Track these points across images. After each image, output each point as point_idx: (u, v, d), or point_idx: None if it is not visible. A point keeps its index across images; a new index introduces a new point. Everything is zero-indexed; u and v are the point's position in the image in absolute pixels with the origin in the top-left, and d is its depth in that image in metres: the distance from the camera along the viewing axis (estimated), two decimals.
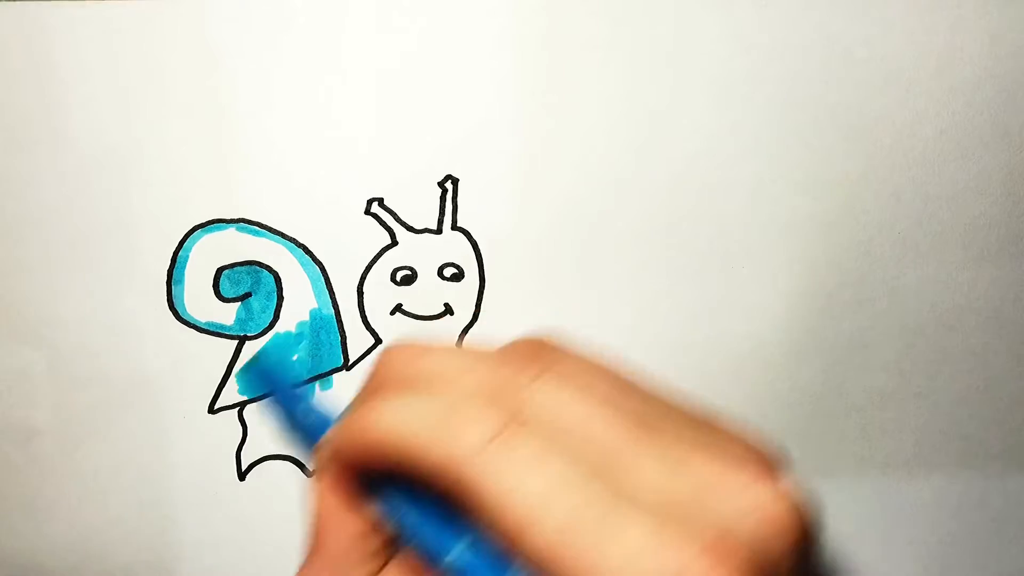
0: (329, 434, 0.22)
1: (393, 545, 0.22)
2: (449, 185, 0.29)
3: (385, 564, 0.22)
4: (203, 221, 0.29)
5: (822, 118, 0.29)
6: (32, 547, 0.31)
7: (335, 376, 0.30)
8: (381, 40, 0.28)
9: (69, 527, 0.31)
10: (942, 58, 0.29)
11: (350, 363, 0.30)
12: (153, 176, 0.29)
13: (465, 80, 0.29)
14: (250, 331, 0.30)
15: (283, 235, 0.29)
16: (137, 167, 0.29)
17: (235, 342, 0.30)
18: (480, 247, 0.30)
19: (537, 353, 0.21)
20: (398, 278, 0.30)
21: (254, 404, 0.30)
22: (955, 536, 0.31)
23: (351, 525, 0.22)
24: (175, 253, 0.29)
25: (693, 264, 0.30)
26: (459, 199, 0.29)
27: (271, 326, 0.30)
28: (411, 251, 0.29)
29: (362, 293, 0.30)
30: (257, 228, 0.29)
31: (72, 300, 0.29)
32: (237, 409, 0.30)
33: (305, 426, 0.25)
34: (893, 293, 0.30)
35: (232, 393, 0.30)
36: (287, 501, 0.31)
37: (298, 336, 0.30)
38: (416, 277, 0.30)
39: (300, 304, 0.30)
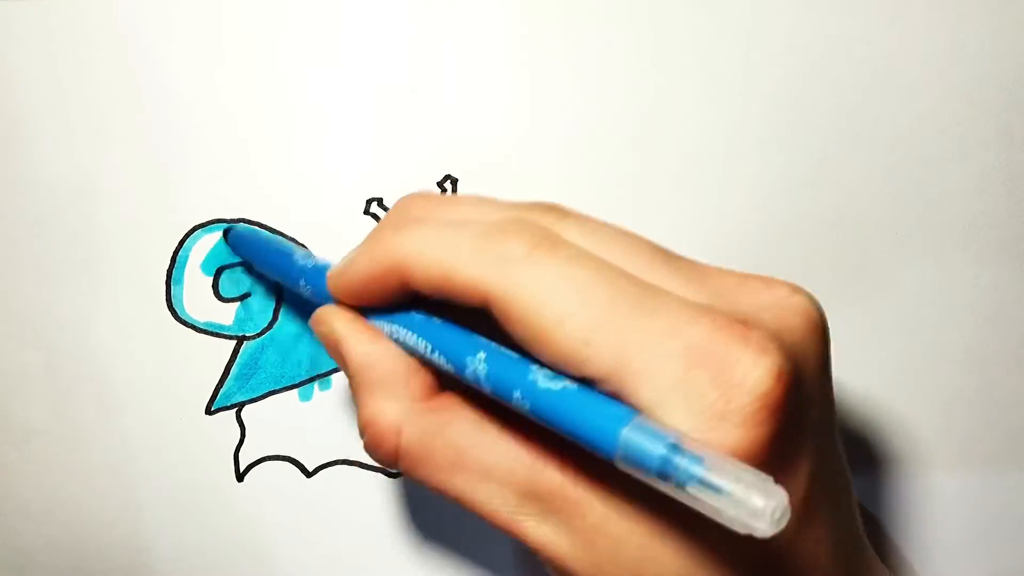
0: (346, 260, 0.22)
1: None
2: (448, 185, 0.29)
3: (435, 383, 0.22)
4: (203, 221, 0.29)
5: (821, 118, 0.29)
6: (30, 547, 0.31)
7: (334, 376, 0.30)
8: (381, 39, 0.28)
9: (67, 528, 0.31)
10: (942, 58, 0.29)
11: None
12: (153, 176, 0.29)
13: (465, 80, 0.29)
14: (249, 331, 0.30)
15: (283, 235, 0.29)
16: (137, 166, 0.29)
17: (234, 342, 0.30)
18: None
19: (555, 206, 0.21)
20: None
21: (252, 405, 0.30)
22: (953, 536, 0.31)
23: (384, 345, 0.22)
24: (175, 253, 0.29)
25: None
26: None
27: (270, 326, 0.30)
28: None
29: None
30: (257, 228, 0.29)
31: (71, 300, 0.29)
32: (235, 410, 0.30)
33: (304, 268, 0.24)
34: (892, 293, 0.30)
35: (231, 393, 0.30)
36: (286, 502, 0.30)
37: (297, 336, 0.30)
38: None
39: (299, 304, 0.30)
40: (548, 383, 0.18)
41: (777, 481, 0.16)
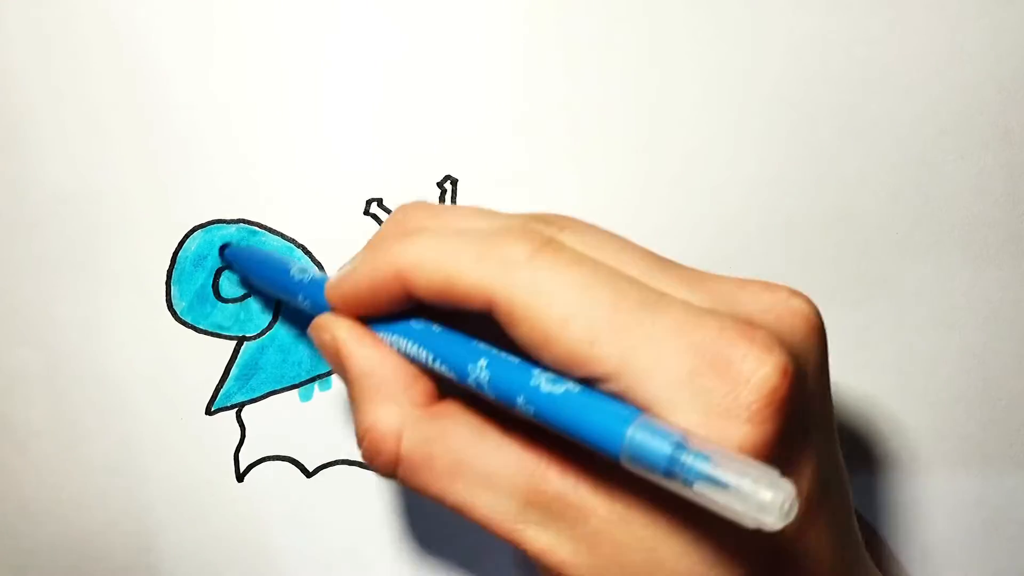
0: (345, 269, 0.22)
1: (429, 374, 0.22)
2: (448, 185, 0.29)
3: (436, 390, 0.21)
4: (203, 221, 0.29)
5: (821, 118, 0.29)
6: (30, 548, 0.31)
7: (334, 376, 0.30)
8: (380, 39, 0.28)
9: (67, 528, 0.31)
10: (941, 58, 0.29)
11: None
12: (152, 176, 0.29)
13: (465, 80, 0.29)
14: (249, 332, 0.30)
15: (282, 235, 0.29)
16: (136, 167, 0.29)
17: (233, 343, 0.30)
18: None
19: (554, 216, 0.21)
20: None
21: (252, 405, 0.30)
22: (953, 536, 0.31)
23: (385, 352, 0.22)
24: (175, 253, 0.29)
25: (692, 264, 0.30)
26: (458, 199, 0.29)
27: (270, 327, 0.30)
28: None
29: None
30: (256, 228, 0.29)
31: (70, 300, 0.29)
32: (235, 410, 0.30)
33: (301, 283, 0.24)
34: (892, 293, 0.30)
35: (231, 394, 0.30)
36: (286, 502, 0.30)
37: (297, 337, 0.30)
38: None
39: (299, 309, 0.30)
40: (551, 387, 0.18)
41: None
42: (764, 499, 0.15)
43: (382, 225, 0.22)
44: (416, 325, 0.21)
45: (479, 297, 0.19)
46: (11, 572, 0.31)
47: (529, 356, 0.19)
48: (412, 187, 0.29)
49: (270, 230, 0.29)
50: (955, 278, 0.30)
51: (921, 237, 0.30)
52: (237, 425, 0.30)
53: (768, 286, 0.19)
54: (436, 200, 0.29)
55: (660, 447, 0.16)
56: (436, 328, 0.21)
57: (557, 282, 0.18)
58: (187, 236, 0.29)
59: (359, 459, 0.30)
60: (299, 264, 0.26)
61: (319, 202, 0.29)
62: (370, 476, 0.30)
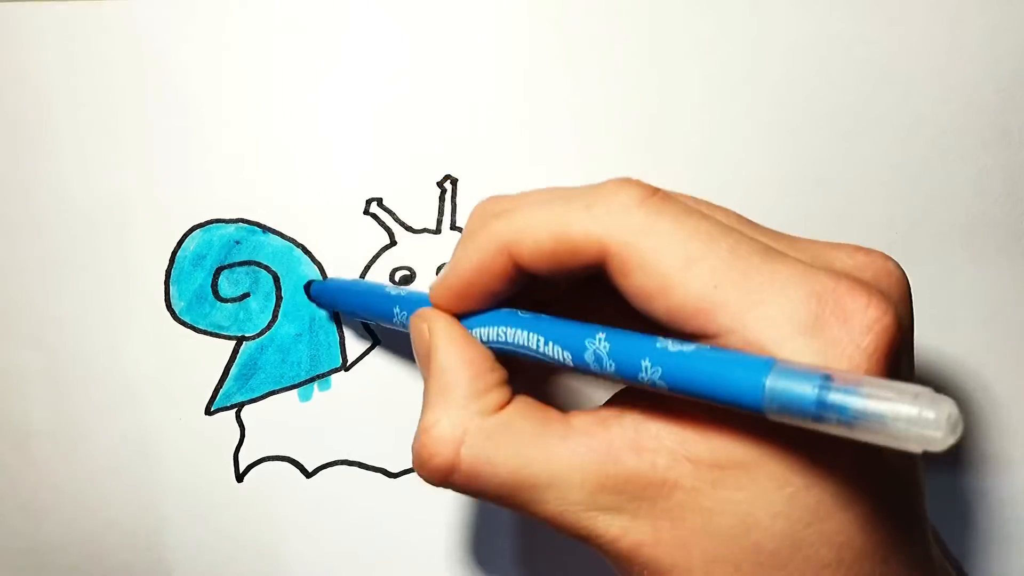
0: (447, 267, 0.21)
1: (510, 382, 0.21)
2: (448, 185, 0.29)
3: (509, 398, 0.21)
4: (202, 221, 0.29)
5: (821, 118, 0.29)
6: (30, 548, 0.31)
7: (333, 376, 0.30)
8: (381, 39, 0.28)
9: (67, 528, 0.31)
10: (941, 59, 0.29)
11: (348, 364, 0.30)
12: (152, 176, 0.29)
13: (465, 79, 0.29)
14: (248, 331, 0.30)
15: (282, 235, 0.29)
16: (136, 166, 0.29)
17: (233, 343, 0.30)
18: None
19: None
20: (397, 278, 0.30)
21: (251, 405, 0.30)
22: (952, 536, 0.31)
23: (475, 353, 0.21)
24: (174, 253, 0.29)
25: None
26: (458, 199, 0.29)
27: (269, 326, 0.30)
28: (410, 251, 0.29)
29: None
30: (256, 228, 0.29)
31: (69, 300, 0.29)
32: (235, 410, 0.30)
33: (399, 297, 0.24)
34: None
35: (231, 394, 0.30)
36: (285, 502, 0.30)
37: (297, 337, 0.30)
38: (415, 277, 0.30)
39: (298, 304, 0.30)
40: (679, 346, 0.17)
41: None
42: (929, 416, 0.14)
43: (465, 225, 0.22)
44: (522, 315, 0.21)
45: (591, 248, 0.18)
46: (11, 572, 0.31)
47: (638, 311, 0.18)
48: (412, 187, 0.29)
49: (270, 230, 0.29)
50: (955, 278, 0.30)
51: (921, 237, 0.30)
52: (236, 425, 0.30)
53: (861, 248, 0.19)
54: (436, 199, 0.29)
55: (806, 389, 0.15)
56: (543, 316, 0.21)
57: (676, 226, 0.18)
58: (186, 235, 0.29)
59: (359, 459, 0.30)
60: (392, 286, 0.26)
61: (319, 202, 0.29)
62: (370, 476, 0.30)
